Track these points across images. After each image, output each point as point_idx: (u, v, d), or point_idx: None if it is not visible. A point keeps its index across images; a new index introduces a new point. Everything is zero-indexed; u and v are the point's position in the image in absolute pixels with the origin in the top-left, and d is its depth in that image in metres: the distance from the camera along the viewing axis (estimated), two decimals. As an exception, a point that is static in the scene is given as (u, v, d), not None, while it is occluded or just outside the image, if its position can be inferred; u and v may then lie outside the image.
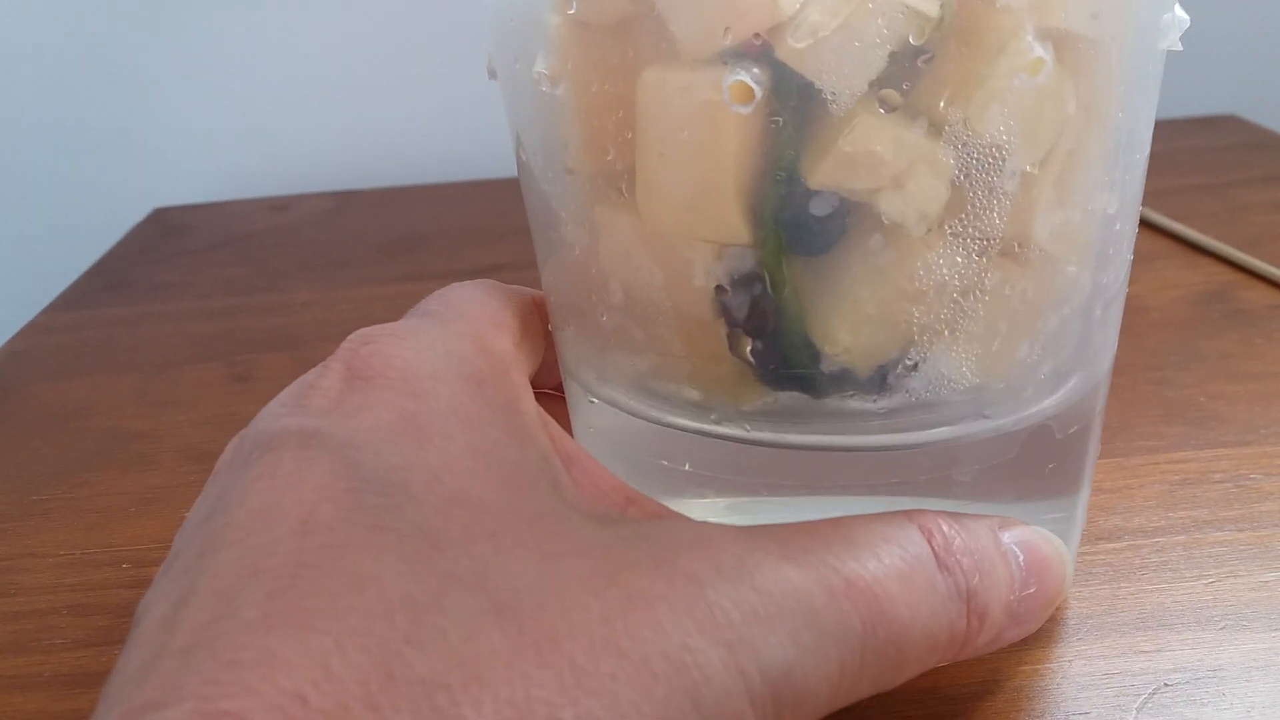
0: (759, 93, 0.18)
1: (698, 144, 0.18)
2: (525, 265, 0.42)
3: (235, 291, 0.52)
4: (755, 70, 0.17)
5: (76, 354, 0.47)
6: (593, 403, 0.24)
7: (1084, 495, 0.25)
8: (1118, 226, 0.22)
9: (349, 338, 0.22)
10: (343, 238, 0.58)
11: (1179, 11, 0.20)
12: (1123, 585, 0.27)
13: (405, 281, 0.52)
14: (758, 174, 0.18)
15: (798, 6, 0.17)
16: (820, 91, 0.18)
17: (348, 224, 0.60)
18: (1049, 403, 0.22)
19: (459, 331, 0.21)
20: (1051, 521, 0.23)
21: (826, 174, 0.18)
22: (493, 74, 0.23)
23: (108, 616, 0.30)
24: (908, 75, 0.18)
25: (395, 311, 0.48)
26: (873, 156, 0.18)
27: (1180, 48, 0.20)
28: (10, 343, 0.48)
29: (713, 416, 0.21)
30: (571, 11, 0.19)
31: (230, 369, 0.44)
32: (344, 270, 0.53)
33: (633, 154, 0.19)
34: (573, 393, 0.25)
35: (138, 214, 0.65)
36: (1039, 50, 0.18)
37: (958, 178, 0.18)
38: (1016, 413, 0.21)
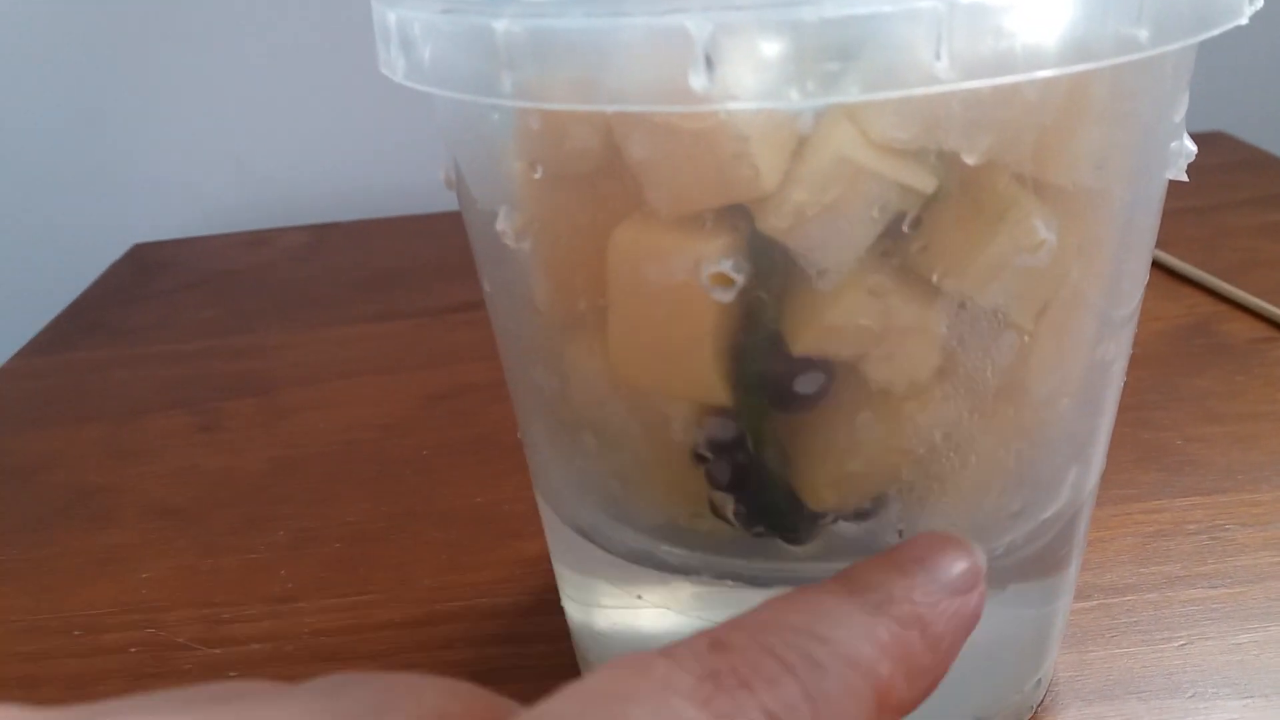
0: (740, 280, 0.16)
1: (674, 313, 0.17)
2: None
3: (208, 333, 0.51)
4: (736, 258, 0.16)
5: (46, 401, 0.46)
6: (556, 518, 0.23)
7: (1074, 569, 0.24)
8: (1115, 368, 0.21)
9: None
10: (318, 274, 0.58)
11: (1187, 142, 0.19)
12: (1091, 649, 0.27)
13: (379, 320, 0.51)
14: (737, 341, 0.17)
15: (780, 180, 0.16)
16: (805, 267, 0.16)
17: (324, 259, 0.60)
18: (1032, 525, 0.21)
19: None
20: (1039, 596, 0.23)
21: (810, 343, 0.17)
22: (450, 185, 0.21)
23: (57, 688, 0.30)
24: (899, 249, 0.16)
25: (366, 352, 0.47)
26: (860, 330, 0.17)
27: (1186, 178, 0.19)
28: (-20, 390, 0.48)
29: (685, 553, 0.20)
30: (537, 176, 0.18)
31: (197, 417, 0.43)
32: (318, 309, 0.53)
33: (605, 306, 0.18)
34: (540, 497, 0.24)
35: (118, 250, 0.64)
36: (1042, 232, 0.16)
37: (950, 343, 0.17)
38: (999, 539, 0.20)
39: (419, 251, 0.59)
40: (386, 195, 0.67)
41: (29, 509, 0.38)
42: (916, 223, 0.16)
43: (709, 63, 0.14)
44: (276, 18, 0.64)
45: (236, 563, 0.34)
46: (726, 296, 0.17)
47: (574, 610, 0.26)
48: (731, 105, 0.14)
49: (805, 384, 0.17)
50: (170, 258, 0.63)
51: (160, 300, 0.56)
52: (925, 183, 0.16)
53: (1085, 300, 0.18)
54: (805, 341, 0.17)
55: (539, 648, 0.29)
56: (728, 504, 0.19)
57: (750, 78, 0.14)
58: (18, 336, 0.59)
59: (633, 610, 0.22)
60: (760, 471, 0.18)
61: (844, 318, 0.17)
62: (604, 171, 0.17)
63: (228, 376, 0.47)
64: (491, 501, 0.36)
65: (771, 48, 0.14)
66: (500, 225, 0.18)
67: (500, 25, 0.15)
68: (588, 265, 0.18)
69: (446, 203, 0.69)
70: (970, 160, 0.16)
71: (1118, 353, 0.20)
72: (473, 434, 0.40)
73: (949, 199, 0.16)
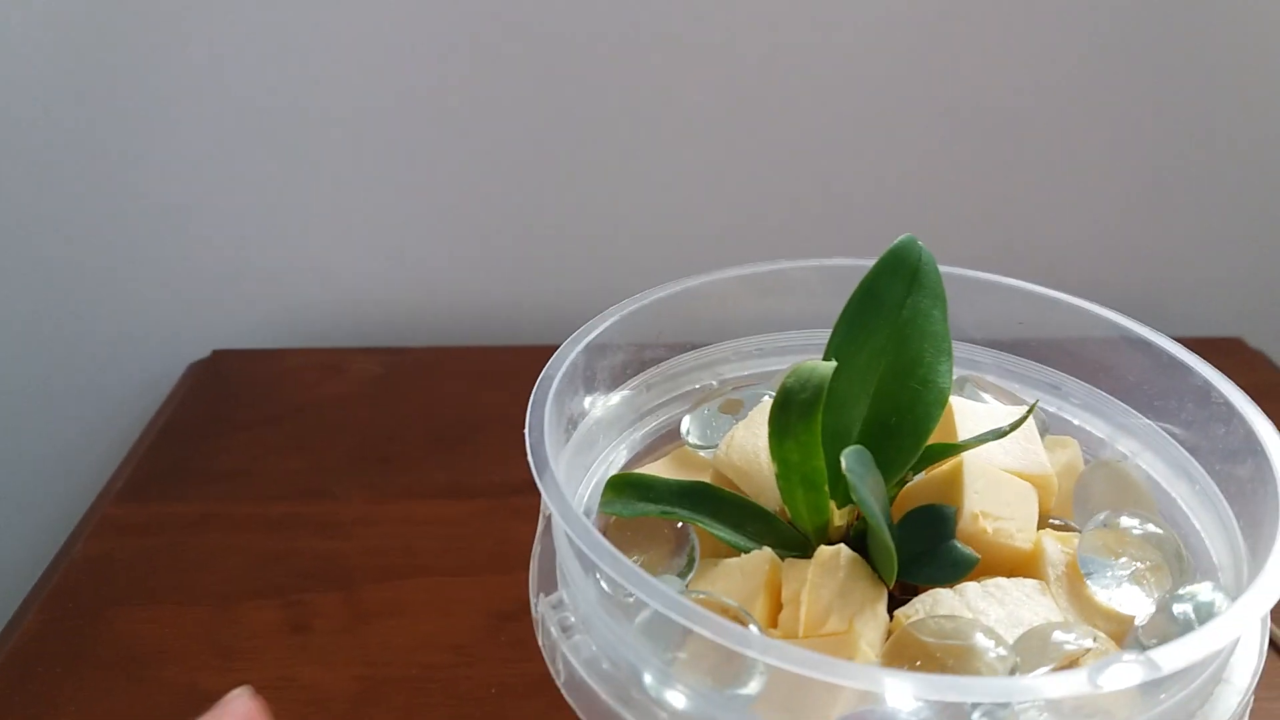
0: None
1: None
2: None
3: (291, 493, 0.56)
4: None
5: (148, 571, 0.51)
6: None
7: None
8: None
9: None
10: (391, 423, 0.62)
11: None
12: None
13: (448, 497, 0.56)
14: None
15: None
16: None
17: (397, 398, 0.64)
18: None
19: None
20: None
21: None
22: None
23: None
24: None
25: (437, 543, 0.52)
26: None
27: None
28: (86, 542, 0.53)
29: None
30: None
31: (289, 612, 0.48)
32: (392, 471, 0.58)
33: None
34: None
35: (194, 353, 0.69)
36: None
37: None
38: None
39: (491, 394, 0.63)
40: (460, 321, 0.72)
41: (146, 711, 0.43)
42: None
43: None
44: (360, 116, 0.67)
45: (335, 808, 0.39)
46: None
47: None
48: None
49: None
50: (246, 374, 0.67)
51: (242, 440, 0.61)
52: None
53: None
54: None
55: None
56: None
57: None
58: (97, 444, 0.64)
59: None
60: None
61: None
62: None
63: (313, 559, 0.52)
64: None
65: None
66: None
67: None
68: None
69: (512, 335, 0.73)
70: None
71: None
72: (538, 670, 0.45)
73: None
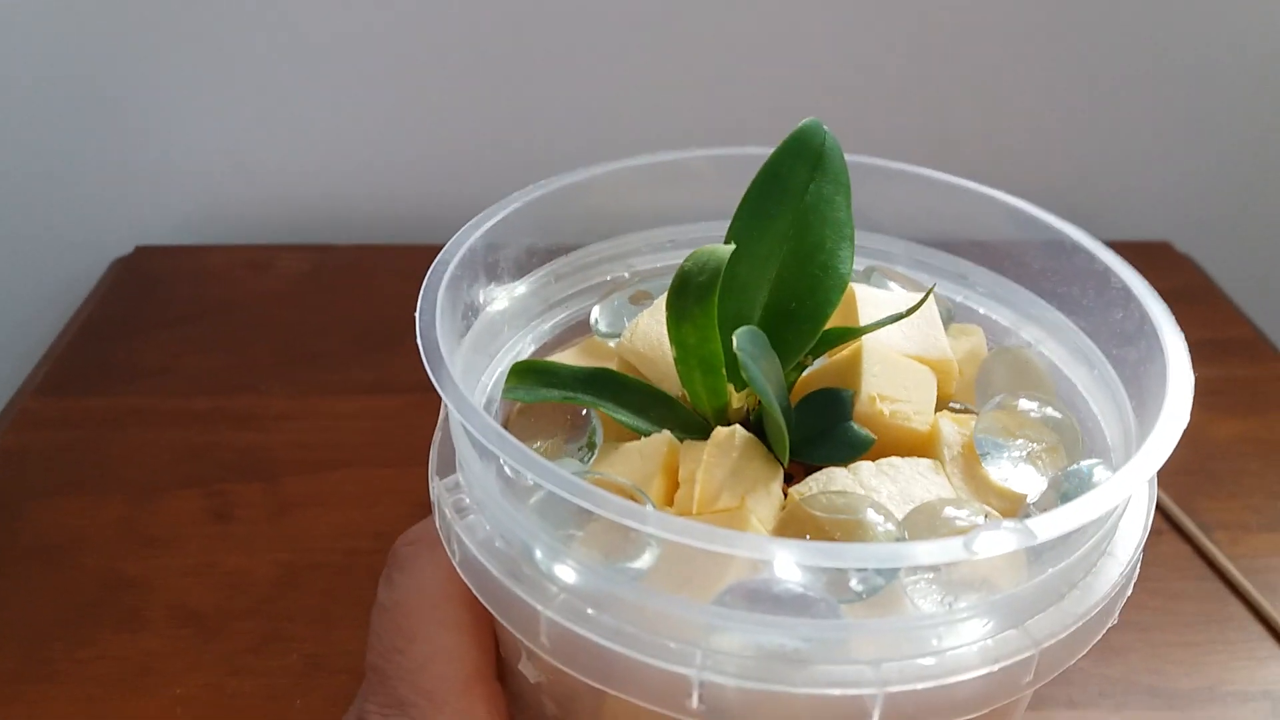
0: None
1: None
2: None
3: (213, 388, 0.56)
4: None
5: (67, 463, 0.51)
6: None
7: None
8: None
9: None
10: (318, 318, 0.62)
11: None
12: None
13: (375, 393, 0.56)
14: None
15: None
16: None
17: (324, 296, 0.64)
18: None
19: None
20: None
21: None
22: None
23: (111, 814, 0.36)
24: None
25: (362, 437, 0.52)
26: None
27: None
28: (4, 435, 0.52)
29: None
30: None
31: (210, 501, 0.49)
32: (317, 368, 0.58)
33: None
34: None
35: (114, 249, 0.67)
36: None
37: None
38: None
39: (417, 294, 0.63)
40: (390, 219, 0.71)
41: (66, 597, 0.44)
42: None
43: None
44: (292, 13, 0.65)
45: (256, 687, 0.40)
46: None
47: None
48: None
49: None
50: (168, 270, 0.66)
51: (164, 336, 0.60)
52: None
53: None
54: None
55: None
56: None
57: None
58: (17, 340, 0.63)
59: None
60: None
61: None
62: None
63: (235, 452, 0.52)
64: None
65: None
66: (521, 667, 0.24)
67: None
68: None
69: (441, 234, 0.72)
70: None
71: None
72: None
73: None
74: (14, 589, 0.44)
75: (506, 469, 0.26)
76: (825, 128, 0.30)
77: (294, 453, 0.52)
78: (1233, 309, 0.65)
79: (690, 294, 0.26)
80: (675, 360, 0.27)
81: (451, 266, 0.29)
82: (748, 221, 0.30)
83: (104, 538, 0.47)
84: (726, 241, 0.29)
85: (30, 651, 0.41)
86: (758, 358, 0.26)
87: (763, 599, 0.22)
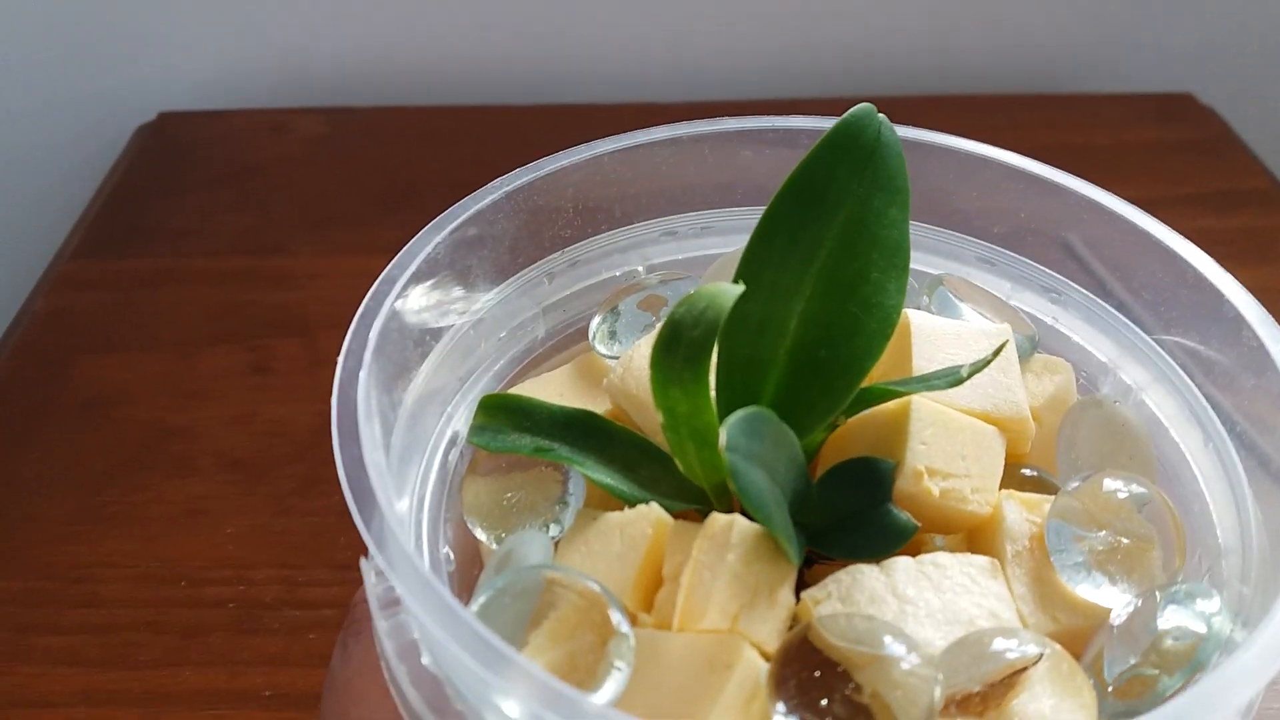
0: None
1: None
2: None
3: (244, 248, 0.57)
4: None
5: (108, 322, 0.53)
6: None
7: None
8: None
9: None
10: (338, 182, 0.63)
11: None
12: None
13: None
14: None
15: None
16: None
17: (344, 161, 0.65)
18: None
19: None
20: None
21: None
22: None
23: (176, 637, 0.39)
24: None
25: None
26: None
27: None
28: (47, 297, 0.54)
29: None
30: None
31: (249, 355, 0.50)
32: (342, 229, 0.59)
33: None
34: None
35: (141, 115, 0.68)
36: None
37: None
38: None
39: (436, 156, 0.63)
40: (407, 81, 0.71)
41: (117, 447, 0.46)
42: None
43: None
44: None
45: (302, 525, 0.43)
46: None
47: None
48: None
49: None
50: (193, 136, 0.67)
51: (194, 200, 0.61)
52: None
53: None
54: None
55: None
56: None
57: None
58: (49, 207, 0.64)
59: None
60: None
61: None
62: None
63: (269, 309, 0.53)
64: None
65: None
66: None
67: None
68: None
69: (466, 94, 0.72)
70: None
71: None
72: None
73: None
74: (67, 440, 0.46)
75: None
76: (880, 116, 0.23)
77: (326, 308, 0.53)
78: (1252, 159, 0.65)
79: (680, 352, 0.20)
80: (663, 427, 0.22)
81: (381, 315, 0.24)
82: (770, 242, 0.23)
83: (149, 391, 0.49)
84: (740, 267, 0.23)
85: (86, 497, 0.44)
86: (755, 456, 0.20)
87: None
